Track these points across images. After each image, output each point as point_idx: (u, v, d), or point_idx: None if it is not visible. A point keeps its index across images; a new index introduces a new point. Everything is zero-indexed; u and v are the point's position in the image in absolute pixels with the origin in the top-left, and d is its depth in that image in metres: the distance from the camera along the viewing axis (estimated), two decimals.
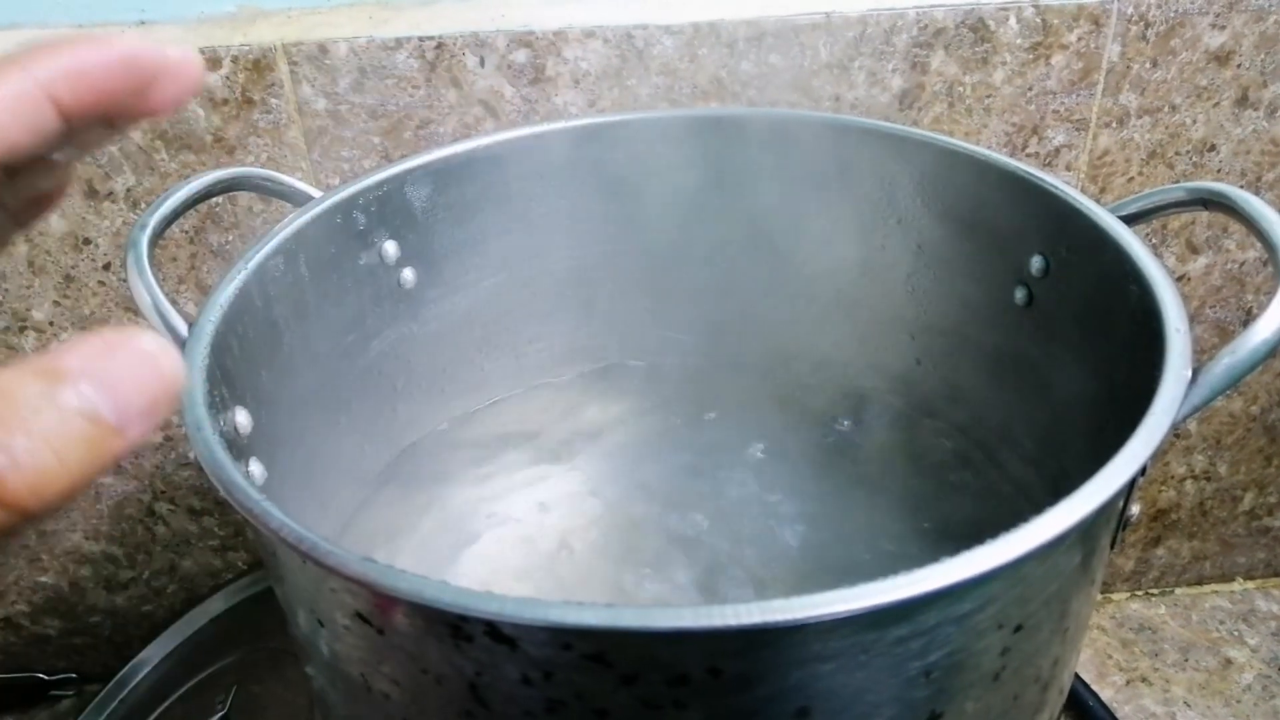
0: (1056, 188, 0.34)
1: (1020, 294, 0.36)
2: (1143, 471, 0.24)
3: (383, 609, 0.21)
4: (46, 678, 0.57)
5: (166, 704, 0.49)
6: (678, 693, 0.21)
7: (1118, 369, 0.31)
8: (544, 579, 0.41)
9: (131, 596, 0.56)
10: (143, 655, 0.51)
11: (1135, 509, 0.27)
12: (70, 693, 0.57)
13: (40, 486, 0.14)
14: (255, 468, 0.30)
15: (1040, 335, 0.36)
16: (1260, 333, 0.26)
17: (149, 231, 0.30)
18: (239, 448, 0.29)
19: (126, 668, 0.51)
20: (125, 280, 0.32)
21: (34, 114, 0.18)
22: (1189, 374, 0.25)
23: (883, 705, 0.22)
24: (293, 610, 0.26)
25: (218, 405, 0.27)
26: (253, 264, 0.31)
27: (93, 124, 0.19)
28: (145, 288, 0.29)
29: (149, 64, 0.19)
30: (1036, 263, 0.35)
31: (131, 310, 0.48)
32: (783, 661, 0.21)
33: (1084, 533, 0.23)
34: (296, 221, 0.33)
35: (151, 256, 0.30)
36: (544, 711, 0.22)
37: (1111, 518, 0.26)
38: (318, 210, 0.34)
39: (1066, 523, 0.21)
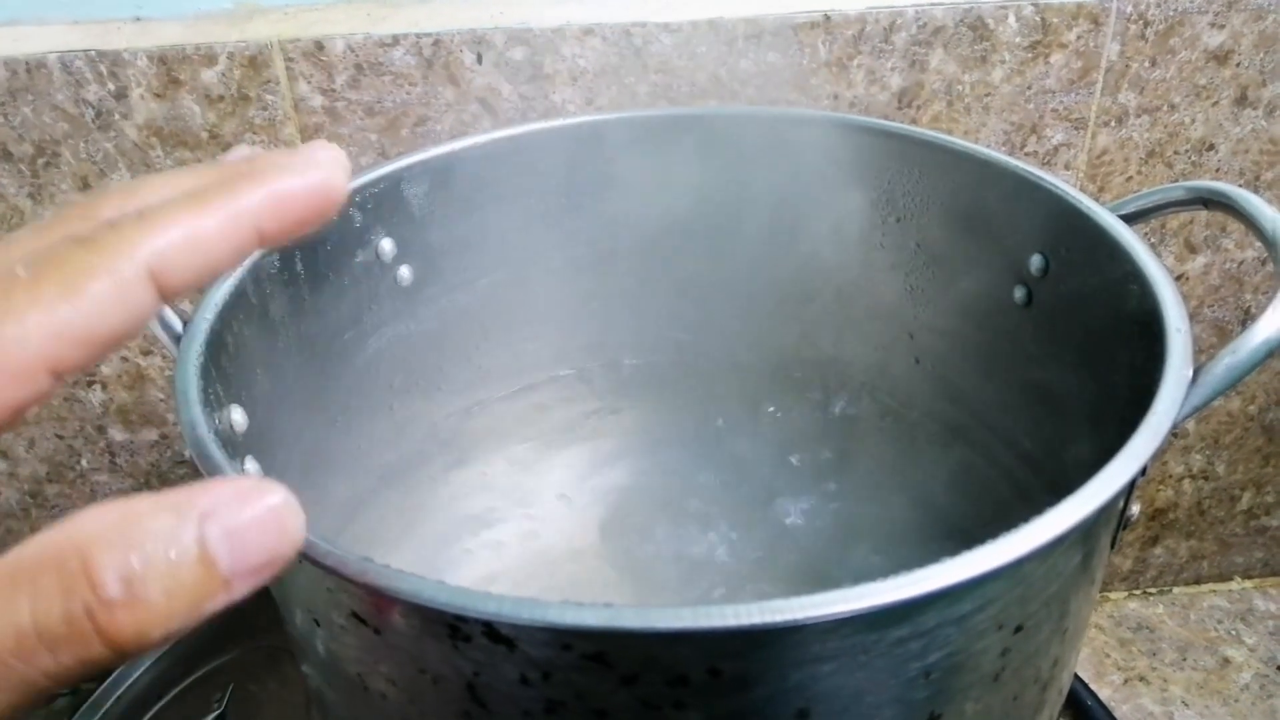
0: (1056, 187, 0.34)
1: (1020, 293, 0.36)
2: (1143, 472, 0.24)
3: (380, 609, 0.21)
4: None
5: (162, 702, 0.49)
6: (677, 693, 0.21)
7: (1117, 369, 0.31)
8: (544, 578, 0.41)
9: None
10: None
11: (1135, 509, 0.27)
12: (65, 691, 0.57)
13: (145, 625, 0.14)
14: (251, 466, 0.29)
15: (1040, 335, 0.36)
16: (1261, 332, 0.26)
17: None
18: (234, 446, 0.29)
19: (122, 666, 0.50)
20: None
21: (242, 241, 0.18)
22: (1190, 374, 0.25)
23: (882, 706, 0.22)
24: (289, 610, 0.26)
25: (213, 403, 0.27)
26: (248, 261, 0.31)
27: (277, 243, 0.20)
28: None
29: (340, 188, 0.19)
30: (1036, 262, 0.35)
31: None
32: (782, 662, 0.21)
33: (1084, 533, 0.23)
34: None
35: None
36: (543, 712, 0.21)
37: (1112, 518, 0.25)
38: None
39: (1067, 523, 0.21)
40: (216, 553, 0.15)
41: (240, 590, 0.15)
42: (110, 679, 0.50)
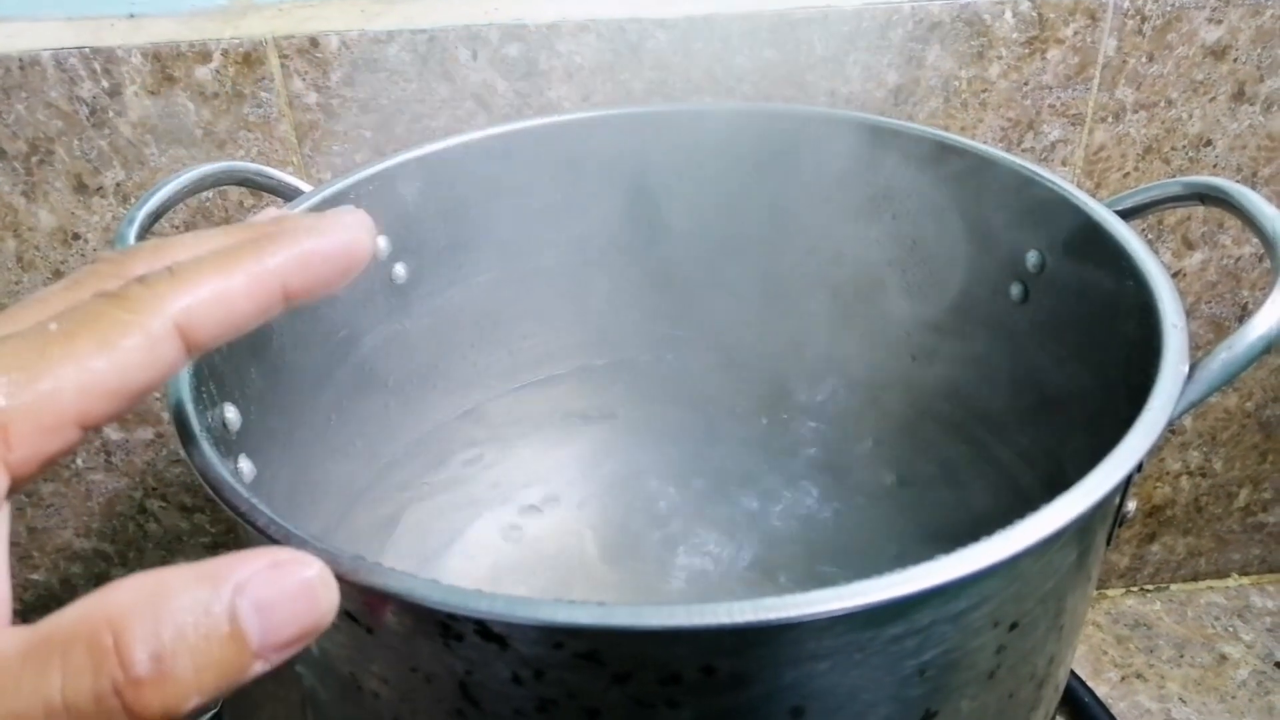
0: (1053, 182, 0.34)
1: (1016, 290, 0.36)
2: (1139, 468, 0.24)
3: (372, 607, 0.21)
4: None
5: None
6: (671, 692, 0.21)
7: (1114, 365, 0.31)
8: (539, 578, 0.41)
9: None
10: None
11: (1131, 505, 0.27)
12: None
13: (171, 702, 0.14)
14: (244, 465, 0.29)
15: (1036, 331, 0.36)
16: (1257, 328, 0.26)
17: (136, 226, 0.30)
18: (228, 444, 0.29)
19: None
20: None
21: (268, 300, 0.19)
22: (1186, 370, 0.25)
23: (877, 704, 0.22)
24: None
25: (206, 402, 0.27)
26: None
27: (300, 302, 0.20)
28: None
29: (364, 249, 0.20)
30: (1032, 258, 0.35)
31: None
32: (776, 660, 0.20)
33: (1080, 529, 0.23)
34: None
35: None
36: (535, 711, 0.21)
37: (1108, 514, 0.25)
38: (308, 205, 0.34)
39: (1062, 519, 0.21)
40: (248, 627, 0.15)
41: (271, 663, 0.15)
42: None
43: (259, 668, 0.15)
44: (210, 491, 0.23)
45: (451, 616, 0.20)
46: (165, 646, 0.14)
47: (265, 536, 0.21)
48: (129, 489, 0.52)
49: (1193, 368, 0.26)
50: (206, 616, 0.15)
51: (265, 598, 0.15)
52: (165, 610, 0.14)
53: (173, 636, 0.14)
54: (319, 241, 0.19)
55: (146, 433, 0.51)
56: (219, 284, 0.18)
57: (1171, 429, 0.57)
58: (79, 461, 0.51)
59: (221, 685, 0.15)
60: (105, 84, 0.42)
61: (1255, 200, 0.29)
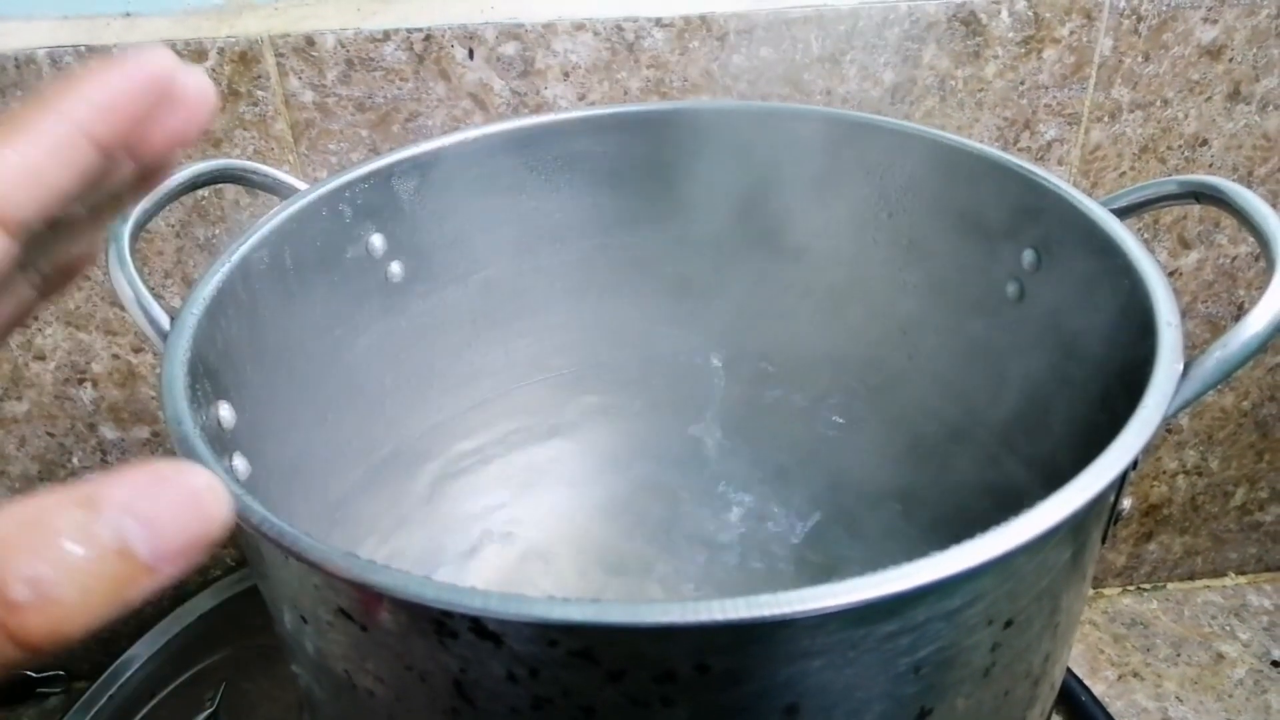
0: (1048, 181, 0.34)
1: (1012, 288, 0.36)
2: (1134, 465, 0.24)
3: (366, 605, 0.21)
4: (34, 675, 0.57)
5: (155, 701, 0.49)
6: (665, 689, 0.21)
7: (1110, 363, 0.30)
8: (534, 577, 0.41)
9: None
10: (131, 652, 0.51)
11: (1127, 503, 0.27)
12: (58, 690, 0.57)
13: (58, 624, 0.14)
14: (239, 463, 0.29)
15: (1032, 329, 0.36)
16: (1252, 326, 0.26)
17: (130, 224, 0.30)
18: (222, 442, 0.29)
19: (115, 665, 0.50)
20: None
21: (79, 158, 0.17)
22: (1180, 367, 0.25)
23: (872, 702, 0.22)
24: (277, 607, 0.26)
25: (200, 399, 0.27)
26: (236, 257, 0.31)
27: (123, 159, 0.19)
28: (127, 280, 0.29)
29: (165, 77, 0.19)
30: (1028, 257, 0.35)
31: (117, 305, 0.47)
32: (771, 657, 0.20)
33: (1075, 527, 0.23)
34: (281, 214, 0.33)
35: (133, 249, 0.29)
36: (530, 709, 0.21)
37: (1103, 512, 0.25)
38: (303, 203, 0.34)
39: (1056, 517, 0.21)
40: (134, 543, 0.15)
41: (168, 574, 0.15)
42: (103, 677, 0.50)
43: (151, 582, 0.15)
44: None
45: (445, 614, 0.20)
46: (44, 573, 0.14)
47: (259, 534, 0.21)
48: None
49: (1187, 366, 0.26)
50: (88, 536, 0.14)
51: (150, 511, 0.15)
52: (42, 537, 0.14)
53: (52, 562, 0.14)
54: (113, 82, 0.18)
55: (143, 431, 0.51)
56: (16, 155, 0.17)
57: (1168, 428, 0.58)
58: (75, 460, 0.51)
59: (114, 602, 0.15)
60: None
61: (1250, 199, 0.29)
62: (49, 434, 0.50)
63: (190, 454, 0.24)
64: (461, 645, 0.20)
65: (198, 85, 0.19)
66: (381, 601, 0.21)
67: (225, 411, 0.29)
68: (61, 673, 0.57)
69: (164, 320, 0.29)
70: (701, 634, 0.20)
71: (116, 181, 0.20)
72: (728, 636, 0.20)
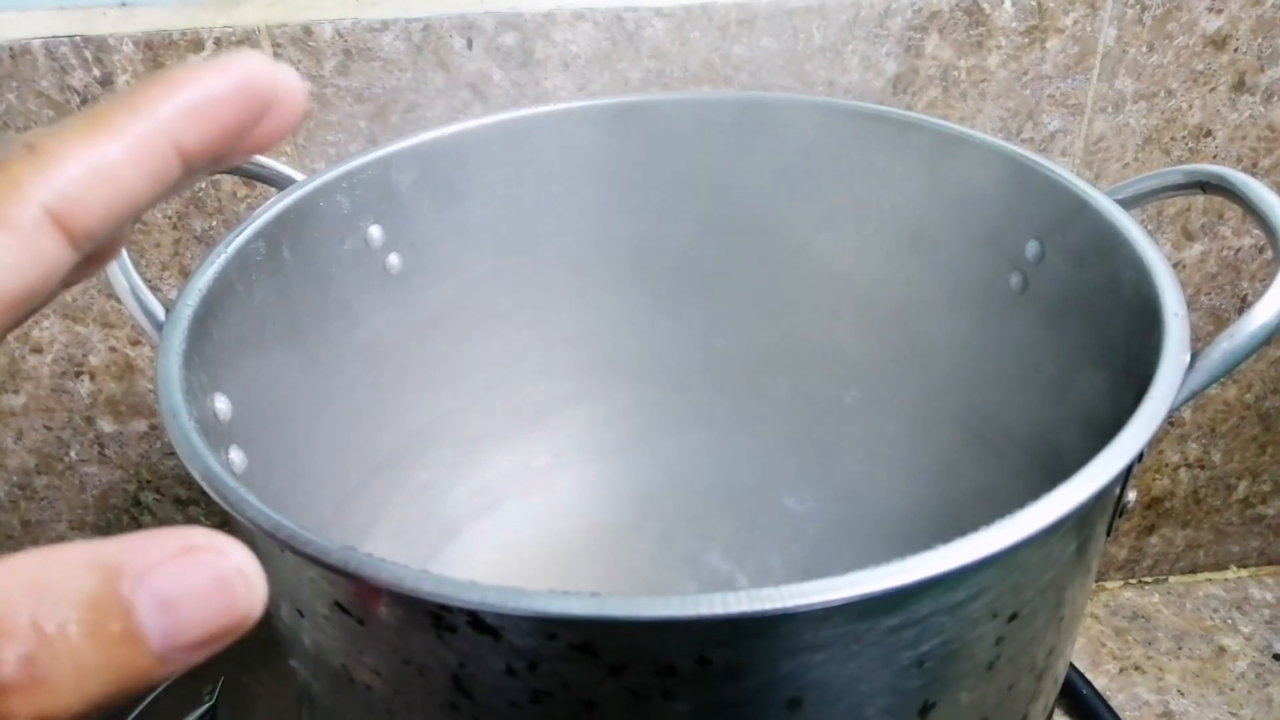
0: (1052, 171, 0.33)
1: (1015, 280, 0.36)
2: (1139, 458, 0.24)
3: (363, 599, 0.21)
4: None
5: (153, 694, 0.49)
6: (666, 683, 0.20)
7: (1115, 355, 0.30)
8: (537, 571, 0.41)
9: None
10: None
11: (1131, 496, 0.27)
12: None
13: (44, 710, 0.12)
14: (236, 455, 0.29)
15: (1036, 321, 0.35)
16: (1259, 317, 0.26)
17: None
18: (219, 435, 0.28)
19: None
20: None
21: (160, 165, 0.15)
22: (1187, 359, 0.25)
23: (875, 695, 0.22)
24: (274, 601, 0.25)
25: (195, 392, 0.27)
26: (232, 248, 0.30)
27: (207, 162, 0.17)
28: (122, 272, 0.29)
29: (266, 90, 0.16)
30: (1032, 248, 0.35)
31: (115, 297, 0.47)
32: (773, 651, 0.20)
33: (1080, 520, 0.23)
34: (278, 205, 0.33)
35: (129, 241, 0.29)
36: (529, 703, 0.21)
37: (1108, 504, 0.25)
38: (300, 194, 0.34)
39: (1062, 509, 0.21)
40: (145, 626, 0.12)
41: (178, 667, 0.13)
42: None
43: (164, 672, 0.13)
44: (198, 481, 0.22)
45: (444, 608, 0.20)
46: (40, 647, 0.12)
47: (254, 527, 0.21)
48: (123, 481, 0.52)
49: (1194, 357, 0.25)
50: (96, 613, 0.12)
51: (170, 592, 0.13)
52: (45, 603, 0.12)
53: (52, 636, 0.12)
54: (206, 83, 0.16)
55: (141, 425, 0.50)
56: (92, 154, 0.15)
57: (1171, 420, 0.57)
58: (73, 454, 0.51)
59: (113, 692, 0.12)
60: (97, 73, 0.42)
61: (1256, 188, 0.28)
62: (46, 427, 0.50)
63: (186, 446, 0.23)
64: (460, 639, 0.20)
65: (290, 91, 0.17)
66: (378, 595, 0.20)
67: (222, 404, 0.29)
68: None
69: (159, 312, 0.29)
70: (703, 627, 0.19)
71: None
72: (729, 630, 0.20)
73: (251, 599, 0.13)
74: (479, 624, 0.20)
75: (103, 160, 0.15)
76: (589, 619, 0.19)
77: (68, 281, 0.18)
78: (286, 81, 0.17)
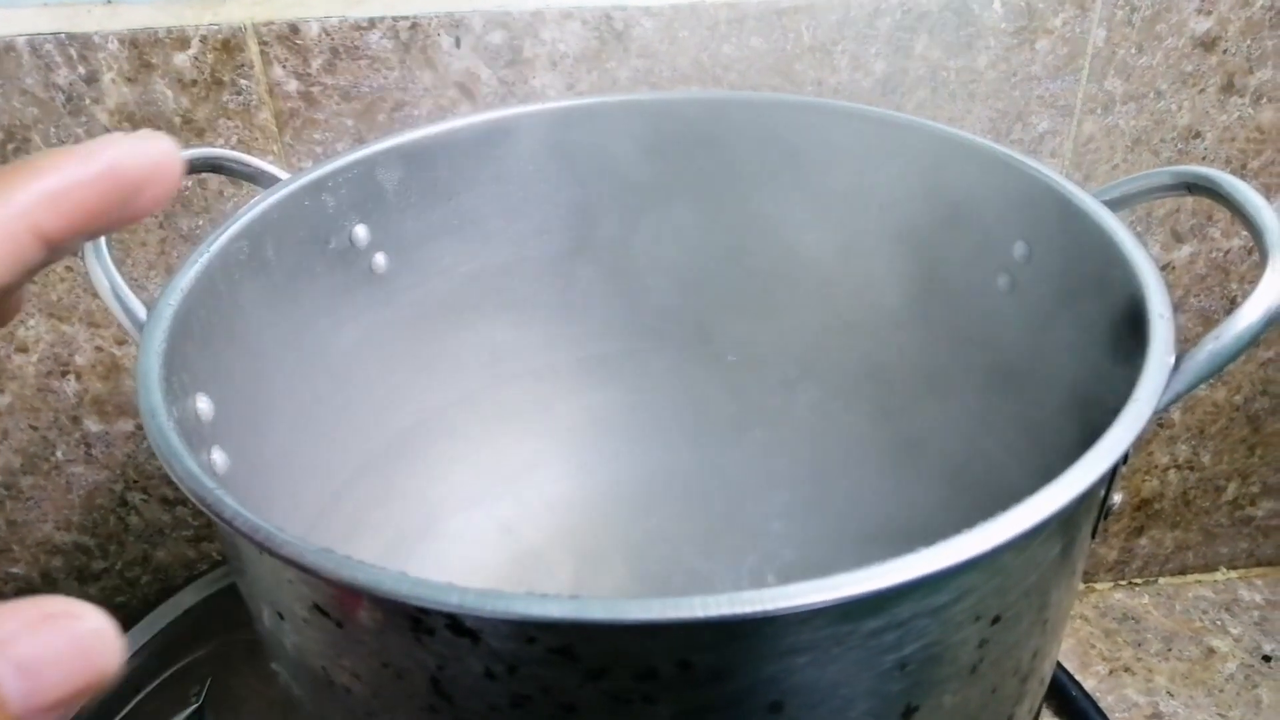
0: (1039, 172, 0.33)
1: (1003, 281, 0.36)
2: (1124, 459, 0.24)
3: (340, 601, 0.21)
4: None
5: (140, 696, 0.49)
6: (647, 687, 0.20)
7: (1101, 356, 0.30)
8: (522, 573, 0.41)
9: (104, 587, 0.55)
10: None
11: (1117, 497, 0.27)
12: None
13: None
14: (218, 456, 0.29)
15: (1023, 323, 0.35)
16: (1245, 318, 0.25)
17: None
18: (200, 435, 0.28)
19: None
20: None
21: (16, 250, 0.16)
22: (1172, 360, 0.25)
23: (857, 699, 0.22)
24: (256, 604, 0.25)
25: (176, 391, 0.26)
26: (215, 247, 0.30)
27: (74, 242, 0.17)
28: (103, 271, 0.28)
29: (133, 174, 0.17)
30: (1019, 249, 0.35)
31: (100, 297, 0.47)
32: (754, 654, 0.20)
33: (1064, 522, 0.23)
34: (261, 205, 0.33)
35: (109, 240, 0.29)
36: (509, 706, 0.21)
37: (1093, 506, 0.25)
38: (284, 193, 0.33)
39: (1045, 512, 0.20)
40: (7, 690, 0.13)
41: None
42: None
43: None
44: (175, 481, 0.22)
45: (422, 610, 0.19)
46: None
47: (231, 528, 0.21)
48: (109, 482, 0.52)
49: (1179, 359, 0.25)
50: None
51: (29, 656, 0.14)
52: None
53: None
54: (67, 171, 0.16)
55: (127, 424, 0.50)
56: None
57: (1160, 422, 0.57)
58: (59, 454, 0.50)
59: None
60: (82, 71, 0.42)
61: (1244, 190, 0.28)
62: (32, 427, 0.49)
63: (164, 446, 0.23)
64: (438, 642, 0.20)
65: (164, 168, 0.17)
66: (356, 597, 0.20)
67: (204, 404, 0.29)
68: None
69: (141, 312, 0.29)
70: (683, 631, 0.19)
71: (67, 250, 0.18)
72: (710, 634, 0.19)
73: (108, 658, 0.14)
74: (457, 627, 0.19)
75: None
76: (568, 622, 0.19)
77: None
78: (157, 156, 0.17)
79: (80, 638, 0.14)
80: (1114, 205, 0.32)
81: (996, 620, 0.23)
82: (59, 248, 0.17)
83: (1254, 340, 0.26)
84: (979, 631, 0.22)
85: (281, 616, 0.23)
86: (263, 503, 0.32)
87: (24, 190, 0.16)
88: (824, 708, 0.21)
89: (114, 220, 0.17)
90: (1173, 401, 0.25)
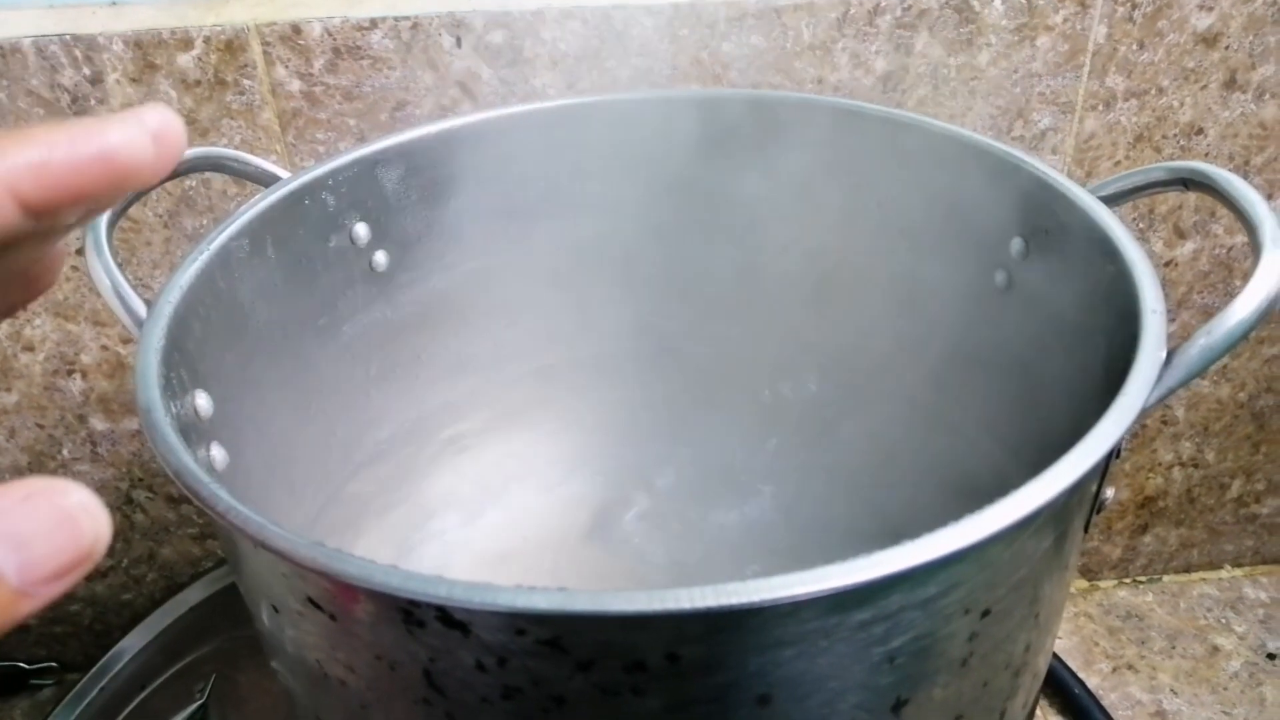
0: (1035, 168, 0.33)
1: (1000, 277, 0.36)
2: (1116, 454, 0.24)
3: (333, 594, 0.21)
4: (27, 666, 0.57)
5: (146, 692, 0.49)
6: (636, 679, 0.20)
7: (1096, 351, 0.30)
8: (521, 569, 0.41)
9: (111, 585, 0.56)
10: (122, 644, 0.51)
11: (1110, 492, 0.27)
12: (50, 681, 0.57)
13: None
14: (217, 452, 0.29)
15: (1020, 319, 0.35)
16: (1237, 313, 0.25)
17: (107, 213, 0.30)
18: (199, 432, 0.28)
19: (106, 656, 0.50)
20: None
21: None
22: (1163, 355, 0.25)
23: (846, 692, 0.22)
24: (253, 600, 0.26)
25: (175, 388, 0.27)
26: (215, 245, 0.30)
27: (68, 212, 0.17)
28: (104, 269, 0.29)
29: (129, 162, 0.17)
30: (1016, 245, 0.35)
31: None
32: (742, 646, 0.20)
33: (1053, 515, 0.23)
34: (262, 203, 0.33)
35: (110, 238, 0.29)
36: (500, 698, 0.21)
37: (1084, 500, 0.25)
38: (284, 192, 0.34)
39: (1032, 505, 0.21)
40: (3, 565, 0.14)
41: (43, 597, 0.15)
42: (94, 669, 0.50)
43: (28, 605, 0.14)
44: (172, 476, 0.22)
45: (413, 603, 0.20)
46: None
47: (225, 522, 0.21)
48: (115, 480, 0.52)
49: (1172, 354, 0.25)
50: None
51: (19, 531, 0.14)
52: None
53: None
54: (57, 147, 0.16)
55: (132, 423, 0.51)
56: None
57: (1164, 419, 0.57)
58: (65, 452, 0.51)
59: None
60: (87, 71, 0.42)
61: (1238, 185, 0.28)
62: (39, 425, 0.50)
63: (161, 442, 0.23)
64: (430, 634, 0.20)
65: (161, 158, 0.17)
66: (348, 590, 0.20)
67: (202, 401, 0.29)
68: (54, 664, 0.57)
69: (142, 310, 0.29)
70: (671, 623, 0.19)
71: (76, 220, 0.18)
72: (697, 625, 0.20)
73: (96, 527, 0.15)
74: (448, 619, 0.20)
75: None
76: (556, 614, 0.19)
77: (4, 313, 0.19)
78: (157, 138, 0.17)
79: (66, 509, 0.15)
80: (1110, 201, 0.32)
81: (986, 613, 0.23)
82: (44, 217, 0.17)
83: (1246, 335, 0.26)
84: (969, 624, 0.22)
85: (277, 610, 0.24)
86: (261, 500, 0.32)
87: (8, 155, 0.16)
88: (813, 700, 0.22)
89: (106, 201, 0.17)
90: (1165, 396, 0.25)
